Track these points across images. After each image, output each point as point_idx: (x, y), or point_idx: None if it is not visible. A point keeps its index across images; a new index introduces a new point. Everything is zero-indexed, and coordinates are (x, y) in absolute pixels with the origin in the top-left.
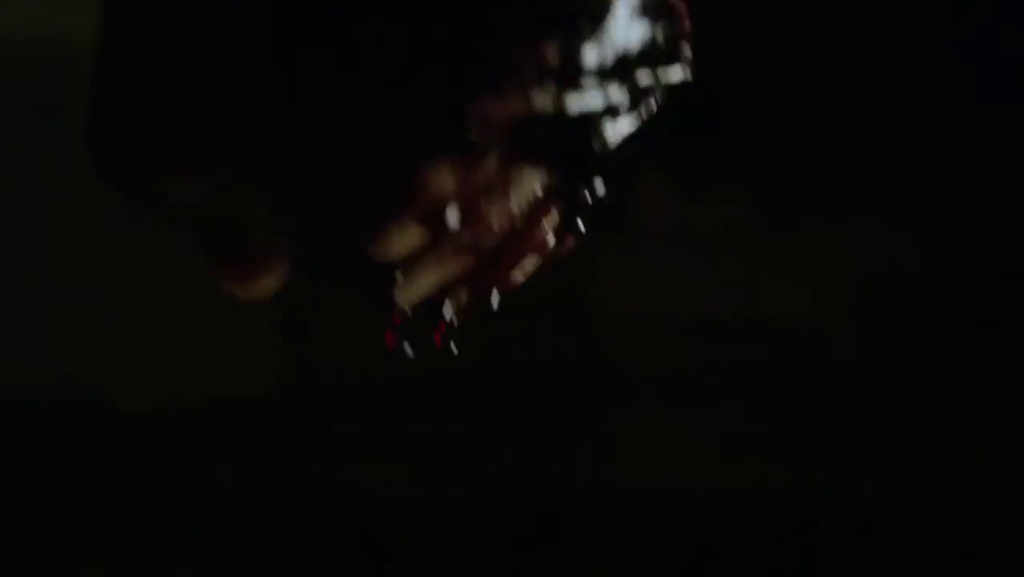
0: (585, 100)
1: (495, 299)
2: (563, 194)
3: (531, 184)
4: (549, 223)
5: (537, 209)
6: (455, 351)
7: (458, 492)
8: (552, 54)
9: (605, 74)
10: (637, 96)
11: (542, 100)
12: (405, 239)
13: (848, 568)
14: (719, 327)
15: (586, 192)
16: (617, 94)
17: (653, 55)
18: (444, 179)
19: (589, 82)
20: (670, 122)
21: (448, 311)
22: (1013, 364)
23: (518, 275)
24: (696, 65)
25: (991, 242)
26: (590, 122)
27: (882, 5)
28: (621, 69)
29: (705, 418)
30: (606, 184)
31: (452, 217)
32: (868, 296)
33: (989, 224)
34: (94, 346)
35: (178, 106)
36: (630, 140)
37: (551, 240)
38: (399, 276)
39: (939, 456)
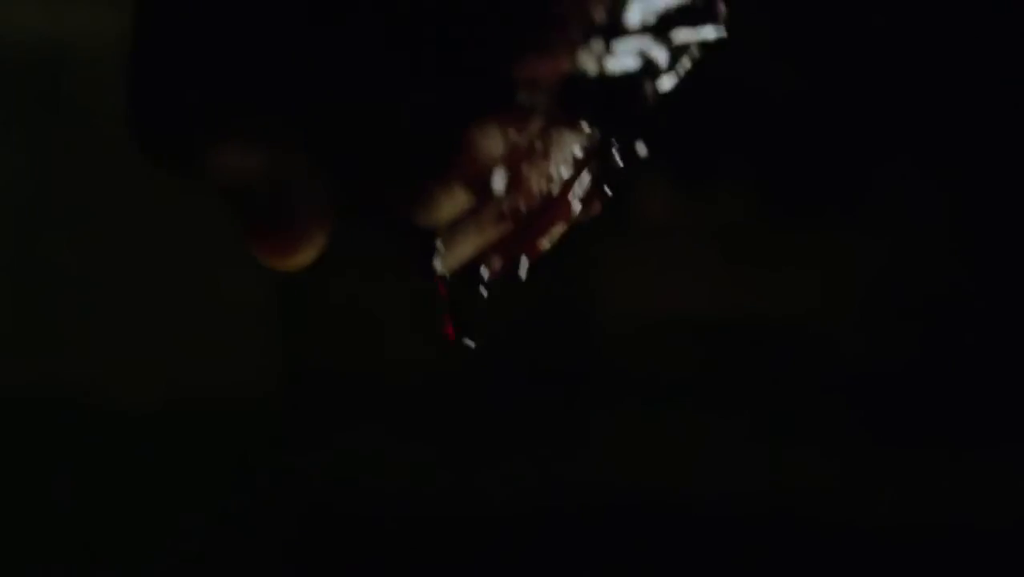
0: (627, 59)
1: (523, 265)
2: (601, 157)
3: (572, 147)
4: (582, 188)
5: (574, 174)
6: (472, 340)
7: (458, 492)
8: (599, 11)
9: (645, 32)
10: (675, 55)
11: (588, 59)
12: (451, 204)
13: (849, 568)
14: (719, 327)
15: (622, 154)
16: (657, 52)
17: (690, 12)
18: (492, 141)
19: (632, 41)
20: (670, 122)
21: (483, 277)
22: (1014, 364)
23: (545, 242)
24: (729, 23)
25: (992, 241)
26: (632, 82)
27: (884, 8)
28: (661, 27)
29: (705, 418)
30: (644, 145)
31: (499, 182)
32: (868, 296)
33: (990, 224)
34: (93, 346)
35: (219, 72)
36: (666, 100)
37: (580, 206)
38: (440, 243)
39: (940, 456)
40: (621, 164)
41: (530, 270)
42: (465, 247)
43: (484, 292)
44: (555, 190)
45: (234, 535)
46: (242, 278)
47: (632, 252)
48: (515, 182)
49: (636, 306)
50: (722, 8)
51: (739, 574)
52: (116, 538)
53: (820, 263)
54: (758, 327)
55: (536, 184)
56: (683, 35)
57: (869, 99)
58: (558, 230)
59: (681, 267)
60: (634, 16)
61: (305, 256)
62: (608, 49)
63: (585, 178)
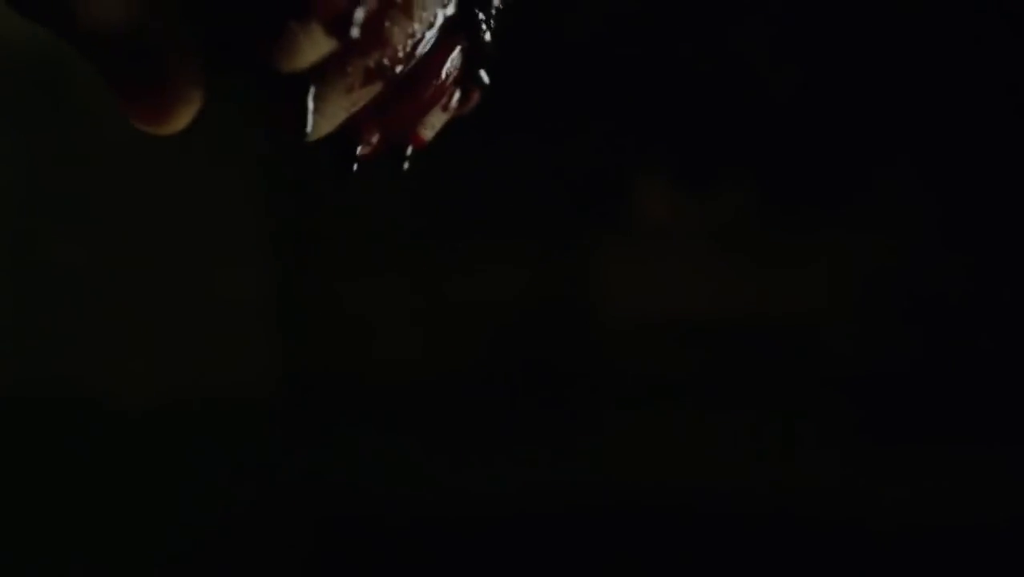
0: None
1: (406, 153)
2: (466, 30)
3: (433, 6)
4: (453, 67)
5: (440, 44)
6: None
7: (458, 492)
8: None
9: None
10: None
11: None
12: (312, 47)
13: (848, 568)
14: (719, 327)
15: (491, 30)
16: None
17: None
18: None
19: None
20: (670, 122)
21: (359, 151)
22: (1014, 364)
23: (427, 131)
24: None
25: (991, 241)
26: None
27: (884, 8)
28: None
29: (705, 418)
30: (506, 24)
31: (356, 24)
32: (868, 296)
33: (989, 223)
34: (93, 346)
35: None
36: None
37: (456, 92)
38: (310, 102)
39: (940, 456)
40: (490, 41)
41: (414, 163)
42: (336, 107)
43: (355, 167)
44: (421, 52)
45: (233, 535)
46: (242, 278)
47: (632, 252)
48: (376, 34)
49: (636, 306)
50: None
51: (739, 574)
52: (115, 538)
53: (820, 263)
54: (758, 327)
55: (400, 41)
56: None
57: (869, 99)
58: (439, 119)
59: (681, 267)
60: None
61: (180, 118)
62: None
63: (456, 57)
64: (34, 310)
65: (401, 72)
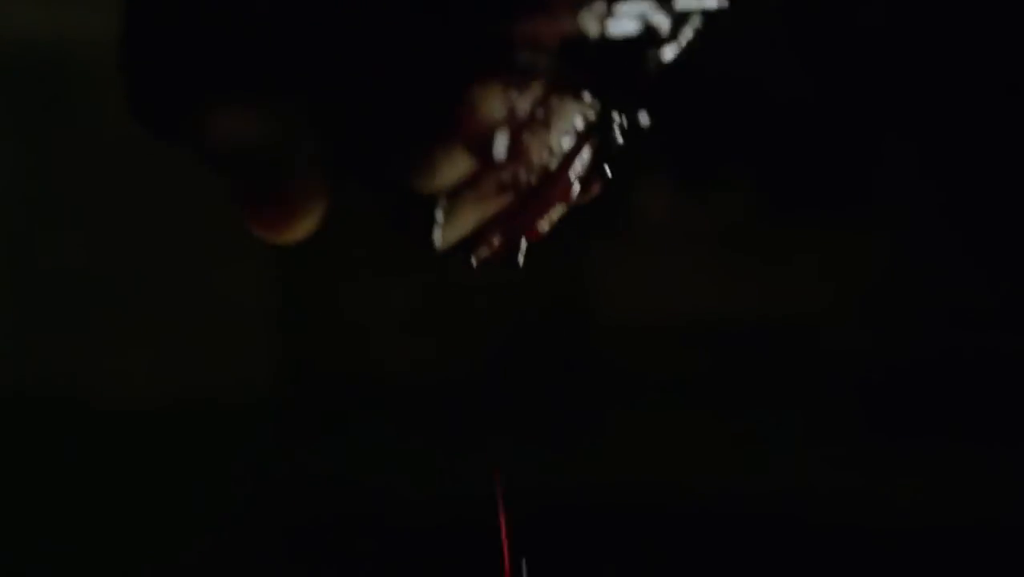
0: (629, 24)
1: (522, 246)
2: (601, 129)
3: (573, 118)
4: (581, 165)
5: (574, 147)
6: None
7: (458, 493)
8: None
9: None
10: (677, 22)
11: (590, 21)
12: (452, 169)
13: (849, 568)
14: (719, 327)
15: (623, 129)
16: (659, 19)
17: None
18: (494, 103)
19: (634, 5)
20: (670, 122)
21: (480, 253)
22: (1015, 363)
23: (544, 223)
24: None
25: (996, 239)
26: (634, 48)
27: (885, 7)
28: None
29: (706, 418)
30: (645, 117)
31: (500, 147)
32: (870, 296)
33: (994, 221)
34: (92, 346)
35: (214, 35)
36: (666, 70)
37: (578, 185)
38: (440, 213)
39: (941, 456)
40: (621, 140)
41: (527, 255)
42: (465, 219)
43: (479, 271)
44: (555, 163)
45: (233, 535)
46: (242, 278)
47: (632, 252)
48: (516, 150)
49: (636, 306)
50: None
51: (739, 574)
52: (115, 538)
53: (822, 263)
54: (759, 327)
55: (537, 154)
56: (685, 1)
57: (871, 98)
58: (557, 212)
59: (681, 267)
60: None
61: (301, 229)
62: (610, 12)
63: (585, 154)
64: (33, 310)
65: (533, 181)
